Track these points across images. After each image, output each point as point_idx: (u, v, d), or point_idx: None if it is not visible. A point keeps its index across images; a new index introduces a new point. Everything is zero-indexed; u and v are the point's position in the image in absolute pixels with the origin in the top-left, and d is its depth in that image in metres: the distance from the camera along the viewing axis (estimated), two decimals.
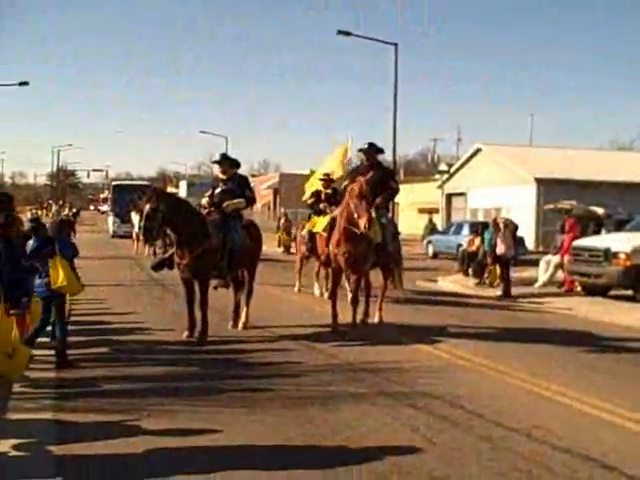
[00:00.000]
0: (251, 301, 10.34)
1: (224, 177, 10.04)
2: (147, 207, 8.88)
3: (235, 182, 10.01)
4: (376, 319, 10.86)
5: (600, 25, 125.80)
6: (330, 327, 10.01)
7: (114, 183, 45.43)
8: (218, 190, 9.98)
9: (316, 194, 13.42)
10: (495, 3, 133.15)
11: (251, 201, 10.21)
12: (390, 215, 12.10)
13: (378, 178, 10.52)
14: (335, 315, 10.09)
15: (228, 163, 10.12)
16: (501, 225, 15.71)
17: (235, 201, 9.83)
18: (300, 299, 13.93)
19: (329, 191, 13.38)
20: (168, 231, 9.35)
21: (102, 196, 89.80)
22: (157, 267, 9.71)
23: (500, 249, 15.37)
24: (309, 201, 13.65)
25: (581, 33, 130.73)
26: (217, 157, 10.34)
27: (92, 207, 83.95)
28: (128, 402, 6.21)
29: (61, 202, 68.13)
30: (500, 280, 15.72)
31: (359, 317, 10.49)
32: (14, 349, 6.67)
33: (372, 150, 11.16)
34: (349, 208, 9.54)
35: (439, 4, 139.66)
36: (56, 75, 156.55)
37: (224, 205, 9.77)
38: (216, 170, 10.55)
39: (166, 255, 9.70)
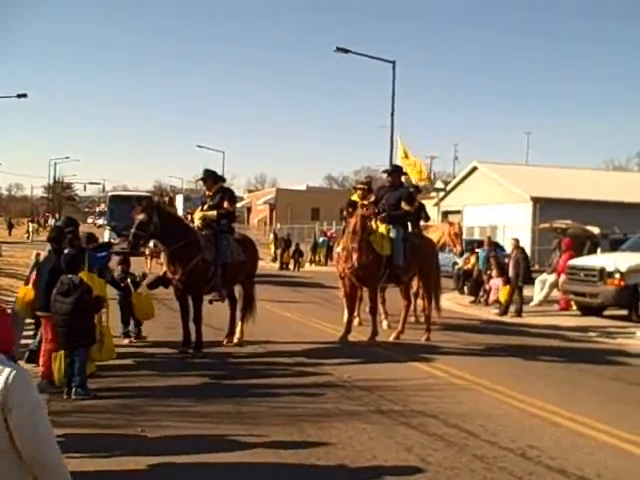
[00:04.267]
0: (251, 316, 10.34)
1: (210, 193, 10.17)
2: (141, 216, 9.01)
3: (219, 196, 10.08)
4: (423, 339, 11.16)
5: (597, 47, 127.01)
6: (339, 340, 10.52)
7: (111, 194, 41.98)
8: (206, 207, 10.09)
9: (352, 205, 12.20)
10: (493, 22, 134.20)
11: (228, 214, 10.05)
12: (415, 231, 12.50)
13: (394, 200, 11.32)
14: (348, 328, 10.72)
15: (212, 179, 10.26)
16: (512, 247, 15.76)
17: (208, 213, 9.92)
18: (293, 315, 13.87)
19: (366, 202, 12.04)
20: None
21: (98, 209, 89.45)
22: (152, 285, 9.82)
23: (511, 272, 15.22)
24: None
25: (578, 54, 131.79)
26: (201, 174, 10.41)
27: (90, 220, 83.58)
28: (122, 417, 6.19)
29: (57, 215, 67.97)
30: (508, 300, 15.37)
31: (394, 334, 11.18)
32: (102, 334, 7.53)
33: (396, 173, 11.98)
34: (349, 236, 10.44)
35: (438, 22, 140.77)
36: (54, 87, 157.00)
37: (199, 217, 9.94)
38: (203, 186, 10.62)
39: (161, 273, 9.75)
